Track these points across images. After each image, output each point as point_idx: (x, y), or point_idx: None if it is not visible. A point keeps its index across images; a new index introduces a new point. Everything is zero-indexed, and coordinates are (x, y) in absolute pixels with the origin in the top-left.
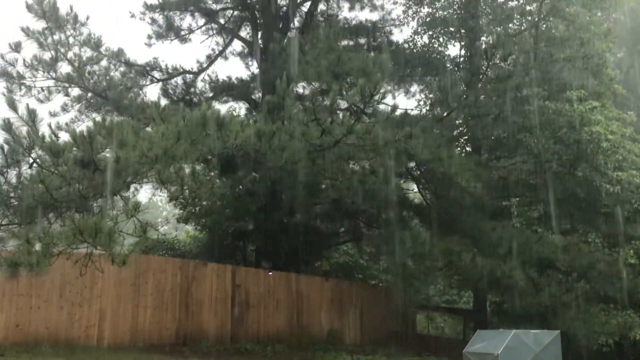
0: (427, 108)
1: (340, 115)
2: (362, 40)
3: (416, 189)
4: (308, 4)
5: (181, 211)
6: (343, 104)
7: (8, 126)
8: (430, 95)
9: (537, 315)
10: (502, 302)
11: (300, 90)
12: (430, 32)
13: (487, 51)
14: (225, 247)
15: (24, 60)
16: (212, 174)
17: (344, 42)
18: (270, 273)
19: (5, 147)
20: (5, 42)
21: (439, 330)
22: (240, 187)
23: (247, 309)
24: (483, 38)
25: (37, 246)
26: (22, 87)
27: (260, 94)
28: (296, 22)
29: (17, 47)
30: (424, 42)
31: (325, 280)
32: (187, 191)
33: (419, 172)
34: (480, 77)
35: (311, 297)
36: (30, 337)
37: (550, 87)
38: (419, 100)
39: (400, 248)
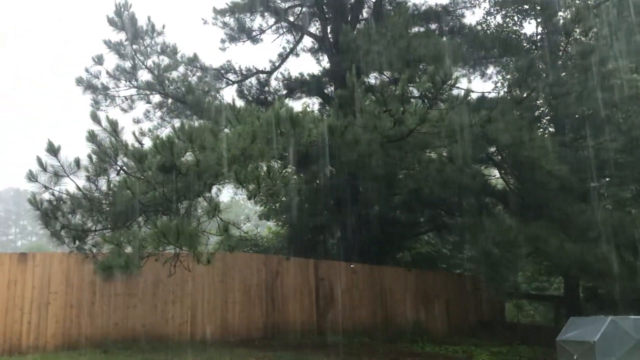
0: (505, 90)
1: (413, 104)
2: (433, 26)
3: (498, 175)
4: None
5: (262, 208)
6: (415, 92)
7: (93, 137)
8: (508, 77)
9: (636, 301)
10: (596, 287)
11: (372, 81)
12: (504, 12)
13: (566, 26)
14: (306, 241)
15: (107, 71)
16: (289, 170)
17: (414, 29)
18: (352, 265)
19: (94, 157)
20: (88, 56)
21: (529, 318)
22: (317, 182)
23: (331, 302)
24: (560, 13)
25: (129, 249)
26: (107, 97)
27: (332, 88)
28: (364, 13)
29: (99, 60)
30: (498, 23)
31: (407, 271)
32: (264, 189)
33: (500, 157)
34: (560, 54)
35: (394, 288)
36: (128, 334)
37: (638, 59)
38: (496, 83)
39: (485, 236)
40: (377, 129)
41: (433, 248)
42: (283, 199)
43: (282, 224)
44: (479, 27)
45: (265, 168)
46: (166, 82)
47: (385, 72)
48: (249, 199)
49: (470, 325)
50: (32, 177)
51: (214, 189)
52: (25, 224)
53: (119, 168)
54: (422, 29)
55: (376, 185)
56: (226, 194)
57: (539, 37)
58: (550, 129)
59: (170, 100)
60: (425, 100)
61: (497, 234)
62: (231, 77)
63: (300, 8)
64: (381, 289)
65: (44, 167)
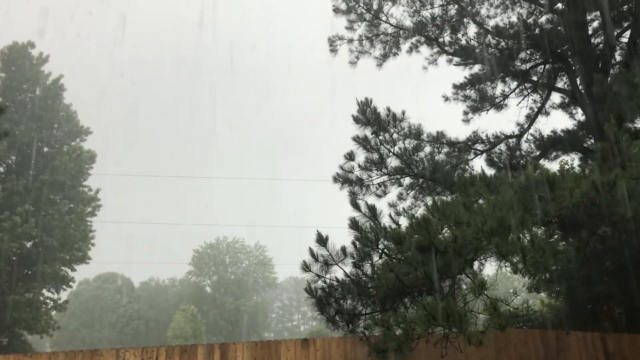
0: None
1: None
2: None
3: None
4: (628, 33)
5: (530, 280)
6: None
7: (355, 224)
8: None
9: None
10: None
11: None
12: None
13: None
14: (586, 313)
15: (358, 165)
16: (554, 237)
17: None
18: None
19: (357, 243)
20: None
21: None
22: (590, 246)
23: None
24: None
25: (398, 331)
26: (362, 187)
27: (592, 141)
28: (617, 57)
29: (351, 156)
30: None
31: None
32: (530, 261)
33: None
34: None
35: None
36: None
37: None
38: None
39: None
40: None
41: None
42: (553, 268)
43: (556, 296)
44: None
45: (528, 238)
46: (414, 164)
47: None
48: (514, 272)
49: None
50: (306, 267)
51: (476, 264)
52: (305, 310)
53: (380, 251)
54: None
55: None
56: (489, 268)
57: None
58: None
59: (420, 180)
60: None
61: None
62: (478, 147)
63: (542, 66)
64: None
65: (315, 257)
